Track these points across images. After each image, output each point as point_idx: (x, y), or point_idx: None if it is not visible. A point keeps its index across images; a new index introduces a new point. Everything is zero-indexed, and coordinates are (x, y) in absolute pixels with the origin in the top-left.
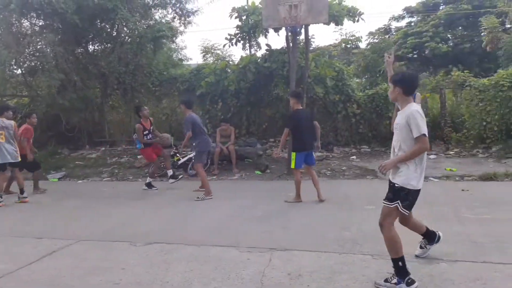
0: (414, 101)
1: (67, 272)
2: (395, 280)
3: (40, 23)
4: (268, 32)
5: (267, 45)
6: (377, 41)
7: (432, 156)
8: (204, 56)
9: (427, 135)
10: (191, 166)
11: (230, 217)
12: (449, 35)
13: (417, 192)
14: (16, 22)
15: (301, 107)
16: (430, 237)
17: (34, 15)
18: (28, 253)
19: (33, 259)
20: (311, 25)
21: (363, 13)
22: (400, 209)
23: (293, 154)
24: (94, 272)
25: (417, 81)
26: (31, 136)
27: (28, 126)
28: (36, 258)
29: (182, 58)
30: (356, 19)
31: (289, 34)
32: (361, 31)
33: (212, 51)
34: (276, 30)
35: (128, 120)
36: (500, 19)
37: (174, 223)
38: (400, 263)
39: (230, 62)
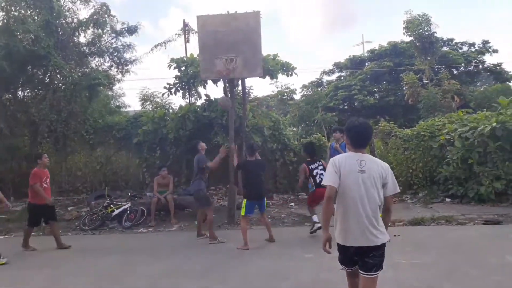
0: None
1: None
2: None
3: None
4: (206, 83)
5: (206, 95)
6: (310, 93)
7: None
8: (143, 104)
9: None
10: (126, 217)
11: (166, 273)
12: (375, 89)
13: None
14: None
15: (254, 159)
16: None
17: None
18: None
19: None
20: (247, 78)
21: (295, 68)
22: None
23: (244, 202)
24: None
25: (367, 131)
26: (40, 180)
27: (35, 170)
28: None
29: (120, 105)
30: (290, 73)
31: (227, 85)
32: (296, 84)
33: (151, 99)
34: (215, 81)
35: (59, 169)
36: (418, 75)
37: (105, 282)
38: None
39: (170, 110)
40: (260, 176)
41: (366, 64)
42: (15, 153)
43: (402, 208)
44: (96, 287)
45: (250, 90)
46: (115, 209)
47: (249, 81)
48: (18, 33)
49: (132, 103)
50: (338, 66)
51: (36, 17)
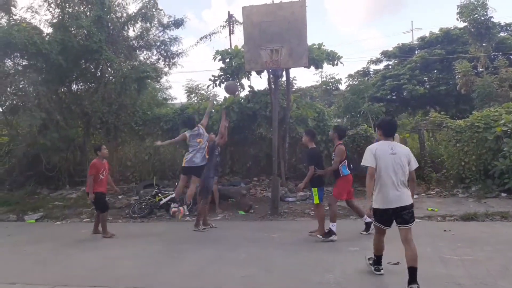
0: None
1: None
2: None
3: (24, 63)
4: (250, 74)
5: (250, 86)
6: (356, 83)
7: (415, 196)
8: (188, 96)
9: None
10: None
11: (212, 260)
12: (425, 78)
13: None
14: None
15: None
16: None
17: (18, 55)
18: None
19: None
20: (292, 68)
21: (341, 57)
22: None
23: (315, 190)
24: None
25: (394, 125)
26: (97, 172)
27: (94, 161)
28: None
29: (167, 97)
30: (335, 62)
31: (271, 76)
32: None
33: (196, 91)
34: (258, 72)
35: (110, 159)
36: (473, 63)
37: (153, 267)
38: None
39: (214, 102)
40: (321, 163)
41: (416, 52)
42: (70, 144)
43: (453, 202)
44: (145, 271)
45: (293, 81)
46: (162, 198)
47: (293, 72)
48: (72, 29)
49: (178, 95)
50: (386, 55)
51: (88, 13)
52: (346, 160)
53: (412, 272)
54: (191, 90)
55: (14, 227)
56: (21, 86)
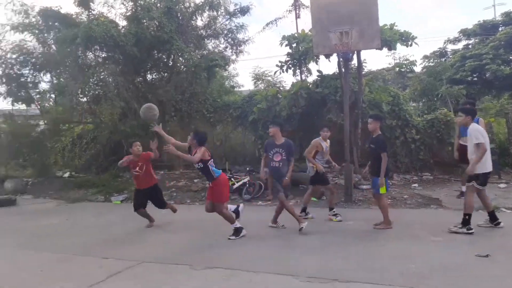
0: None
1: None
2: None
3: (103, 55)
4: (319, 59)
5: (318, 71)
6: (432, 64)
7: (502, 185)
8: (255, 83)
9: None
10: (245, 191)
11: (286, 246)
12: (511, 57)
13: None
14: (82, 54)
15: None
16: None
17: (98, 47)
18: (94, 272)
19: (99, 279)
20: (363, 50)
21: (416, 37)
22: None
23: (383, 179)
24: None
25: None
26: (134, 166)
27: (129, 157)
28: (102, 279)
29: (234, 85)
30: (409, 43)
31: (341, 60)
32: (415, 55)
33: (263, 78)
34: (327, 56)
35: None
36: None
37: (232, 248)
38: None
39: (281, 88)
40: None
41: (500, 29)
42: (147, 131)
43: None
44: (228, 251)
45: (364, 64)
46: (235, 183)
47: (363, 54)
48: (145, 21)
49: (245, 83)
50: (465, 33)
51: (158, 5)
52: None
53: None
54: (257, 77)
55: (102, 207)
56: (101, 77)
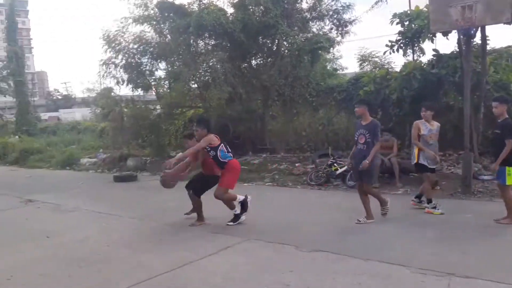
0: None
1: (241, 267)
2: None
3: (212, 43)
4: (435, 37)
5: (435, 50)
6: None
7: None
8: (360, 64)
9: None
10: (349, 177)
11: (395, 235)
12: None
13: None
14: (193, 43)
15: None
16: None
17: (207, 35)
18: (207, 245)
19: (211, 251)
20: (488, 26)
21: None
22: None
23: (509, 169)
24: (265, 271)
25: None
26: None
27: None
28: (214, 251)
29: (337, 68)
30: None
31: (462, 37)
32: None
33: (370, 59)
34: (445, 33)
35: (287, 129)
36: None
37: (337, 234)
38: None
39: (390, 70)
40: None
41: None
42: (252, 115)
43: None
44: (329, 237)
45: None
46: (338, 168)
47: (487, 30)
48: (251, 7)
49: (349, 65)
50: None
51: None
52: None
53: None
54: (363, 59)
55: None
56: (211, 63)
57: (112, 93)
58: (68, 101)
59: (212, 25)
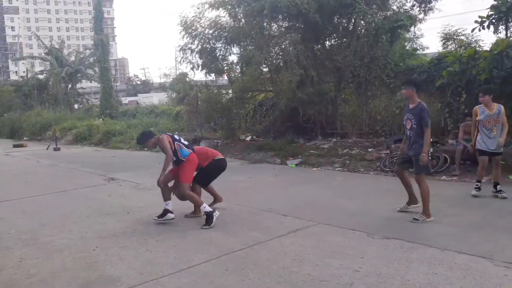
0: None
1: (310, 250)
2: None
3: (286, 25)
4: None
5: None
6: None
7: None
8: (444, 43)
9: None
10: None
11: (477, 224)
12: None
13: None
14: (267, 25)
15: None
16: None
17: (281, 18)
18: (276, 227)
19: (280, 233)
20: None
21: None
22: None
23: None
24: (334, 255)
25: None
26: None
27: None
28: (283, 233)
29: (417, 47)
30: None
31: None
32: None
33: (455, 37)
34: None
35: (360, 113)
36: None
37: (409, 222)
38: None
39: (478, 49)
40: None
41: None
42: (323, 97)
43: None
44: (403, 224)
45: None
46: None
47: None
48: None
49: (430, 44)
50: None
51: None
52: None
53: None
54: (447, 37)
55: (279, 169)
56: (283, 46)
57: (187, 78)
58: (146, 86)
59: (286, 7)
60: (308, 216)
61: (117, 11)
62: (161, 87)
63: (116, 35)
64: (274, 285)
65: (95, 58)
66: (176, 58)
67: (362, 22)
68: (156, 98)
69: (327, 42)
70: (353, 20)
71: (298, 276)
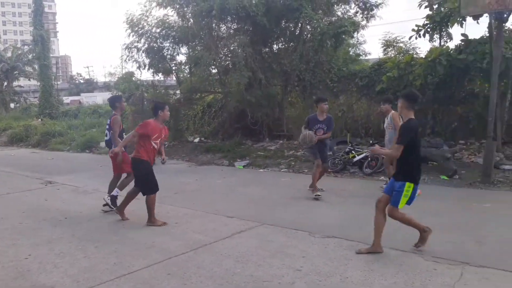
0: None
1: (254, 251)
2: None
3: (234, 27)
4: (465, 21)
5: (463, 34)
6: None
7: None
8: (384, 50)
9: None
10: (367, 164)
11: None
12: None
13: None
14: (216, 27)
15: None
16: None
17: (230, 19)
18: (222, 229)
19: (225, 235)
20: None
21: None
22: None
23: (410, 186)
24: (277, 255)
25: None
26: (148, 135)
27: (150, 121)
28: (228, 235)
29: (360, 53)
30: None
31: (493, 21)
32: None
33: (394, 44)
34: (476, 17)
35: (305, 115)
36: None
37: (351, 220)
38: None
39: (415, 56)
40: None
41: None
42: (270, 100)
43: None
44: (341, 223)
45: None
46: (356, 155)
47: None
48: None
49: (372, 50)
50: None
51: None
52: None
53: None
54: (388, 44)
55: (227, 171)
56: (232, 48)
57: (134, 78)
58: (90, 85)
59: (235, 8)
60: (253, 217)
61: (60, 6)
62: (106, 87)
63: (58, 31)
64: (217, 287)
65: (34, 54)
66: (121, 56)
67: (308, 27)
68: (100, 98)
69: (275, 46)
70: (299, 24)
71: (240, 277)
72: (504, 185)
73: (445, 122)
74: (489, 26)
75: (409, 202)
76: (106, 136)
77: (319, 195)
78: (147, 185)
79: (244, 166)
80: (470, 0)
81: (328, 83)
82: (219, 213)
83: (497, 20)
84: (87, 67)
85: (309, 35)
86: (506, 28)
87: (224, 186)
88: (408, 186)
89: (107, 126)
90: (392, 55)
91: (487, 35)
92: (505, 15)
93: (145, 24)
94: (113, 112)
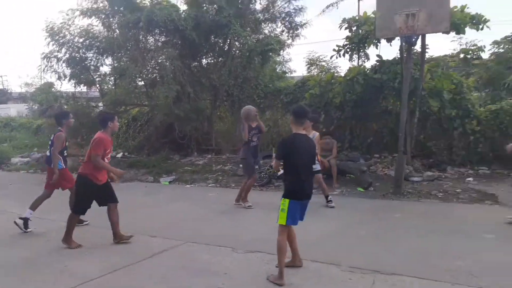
0: None
1: (175, 271)
2: None
3: (162, 39)
4: (379, 43)
5: (378, 55)
6: (503, 50)
7: None
8: (308, 68)
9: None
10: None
11: (330, 233)
12: None
13: None
14: (143, 38)
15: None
16: None
17: (158, 32)
18: (143, 249)
19: (147, 255)
20: (428, 34)
21: (488, 20)
22: None
23: (286, 202)
24: (199, 274)
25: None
26: (105, 151)
27: (102, 136)
28: (149, 255)
29: (286, 70)
30: (481, 27)
31: (404, 44)
32: (484, 40)
33: (317, 63)
34: (389, 40)
35: (233, 130)
36: None
37: (274, 234)
38: None
39: (336, 74)
40: (312, 161)
41: None
42: (199, 114)
43: None
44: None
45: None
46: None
47: (426, 39)
48: (204, 5)
49: (298, 68)
50: None
51: None
52: None
53: None
54: (311, 62)
55: (151, 187)
56: (159, 61)
57: (53, 89)
58: (3, 96)
59: (163, 21)
60: (176, 236)
61: None
62: (22, 98)
63: None
64: None
65: None
66: (39, 66)
67: (236, 43)
68: (14, 110)
69: (204, 60)
70: (228, 40)
71: None
72: (413, 196)
73: (361, 137)
74: (400, 49)
75: (291, 221)
76: (48, 152)
77: (251, 205)
78: (82, 205)
79: (170, 182)
80: (383, 24)
81: (255, 98)
82: (141, 233)
83: (407, 44)
84: (0, 76)
85: (237, 51)
86: (414, 51)
87: (147, 204)
88: (284, 201)
89: (50, 142)
90: (315, 73)
91: (399, 56)
92: (413, 39)
93: (66, 33)
94: (59, 128)
